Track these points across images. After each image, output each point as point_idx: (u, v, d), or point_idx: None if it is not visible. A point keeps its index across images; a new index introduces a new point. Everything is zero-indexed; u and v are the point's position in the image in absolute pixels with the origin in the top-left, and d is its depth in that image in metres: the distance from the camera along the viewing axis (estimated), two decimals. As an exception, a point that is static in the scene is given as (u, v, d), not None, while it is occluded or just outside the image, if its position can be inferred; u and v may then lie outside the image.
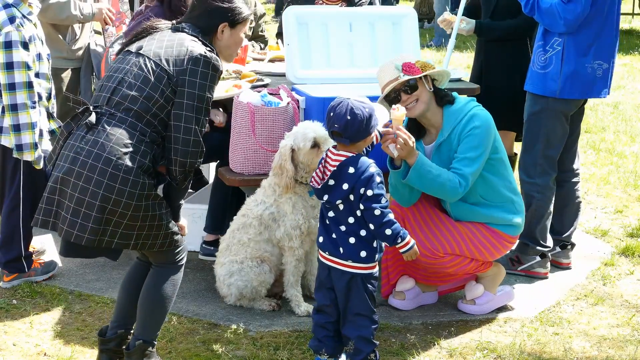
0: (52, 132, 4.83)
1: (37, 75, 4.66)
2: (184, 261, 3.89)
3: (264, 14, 7.11)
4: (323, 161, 3.91)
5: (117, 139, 3.54)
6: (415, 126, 4.55)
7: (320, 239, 3.93)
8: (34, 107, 4.60)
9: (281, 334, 4.31)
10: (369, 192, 3.78)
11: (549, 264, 5.24)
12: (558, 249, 5.36)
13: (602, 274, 5.29)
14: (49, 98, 4.78)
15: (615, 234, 6.00)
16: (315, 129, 4.38)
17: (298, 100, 4.99)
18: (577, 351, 4.35)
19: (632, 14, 17.56)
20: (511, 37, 5.40)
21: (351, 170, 3.80)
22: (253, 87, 5.27)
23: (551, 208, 5.18)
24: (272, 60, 6.34)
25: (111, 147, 3.53)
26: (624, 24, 16.74)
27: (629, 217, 6.36)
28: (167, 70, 3.63)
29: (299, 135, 4.40)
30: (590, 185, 7.02)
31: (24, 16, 4.61)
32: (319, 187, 3.84)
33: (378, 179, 3.80)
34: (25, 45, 4.54)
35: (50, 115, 4.82)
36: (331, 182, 3.82)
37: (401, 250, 3.89)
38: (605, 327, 4.63)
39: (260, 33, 6.92)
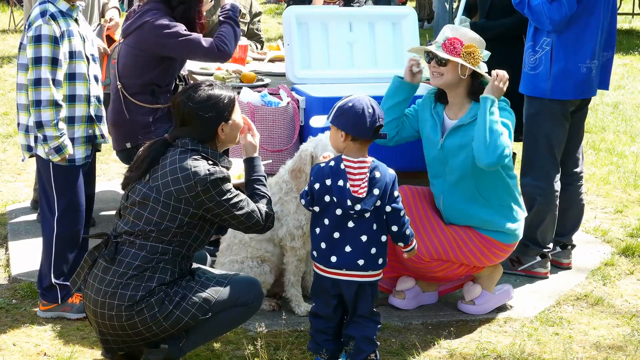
0: (92, 138, 4.58)
1: (72, 75, 4.46)
2: (255, 303, 3.92)
3: (260, 12, 7.10)
4: (344, 173, 3.83)
5: (134, 268, 3.71)
6: (440, 92, 4.57)
7: (333, 259, 3.86)
8: (59, 105, 4.38)
9: (281, 334, 4.31)
10: (395, 193, 3.85)
11: (549, 264, 5.24)
12: (558, 249, 5.36)
13: (602, 274, 5.29)
14: (88, 101, 4.53)
15: (615, 234, 6.00)
16: None
17: (298, 100, 5.00)
18: (577, 351, 4.35)
19: (632, 14, 17.54)
20: (506, 36, 5.40)
21: (377, 174, 3.82)
22: (253, 87, 5.28)
23: (555, 212, 5.14)
24: (272, 60, 6.34)
25: (116, 283, 3.70)
26: (624, 24, 16.72)
27: (629, 217, 6.36)
28: (182, 199, 3.73)
29: (320, 145, 4.34)
30: (590, 185, 7.02)
31: (60, 12, 4.44)
32: (364, 196, 3.79)
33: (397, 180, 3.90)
34: (55, 40, 4.37)
35: (91, 119, 4.55)
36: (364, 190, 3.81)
37: (407, 249, 3.96)
38: (605, 327, 4.63)
39: (256, 32, 6.92)
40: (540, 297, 4.96)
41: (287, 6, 6.08)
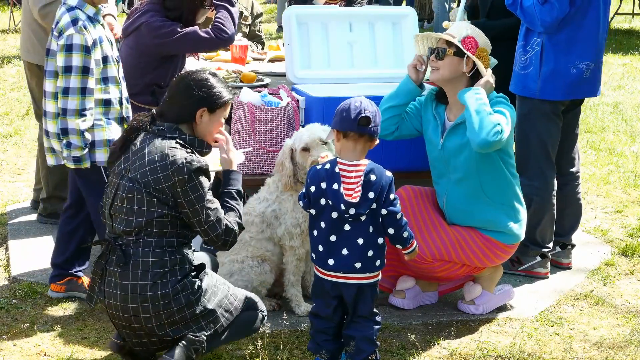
0: None
1: (105, 79, 4.50)
2: (265, 312, 4.04)
3: (261, 13, 7.12)
4: (338, 176, 3.82)
5: (151, 265, 3.71)
6: (442, 91, 4.57)
7: (331, 262, 3.86)
8: (85, 115, 4.40)
9: (281, 334, 4.31)
10: (391, 196, 3.82)
11: (549, 264, 5.24)
12: (558, 249, 5.36)
13: (602, 274, 5.29)
14: (120, 103, 4.59)
15: (615, 234, 6.00)
16: (312, 132, 4.38)
17: (298, 100, 5.00)
18: (577, 351, 4.35)
19: (632, 14, 17.53)
20: (506, 36, 5.40)
21: (373, 177, 3.80)
22: (253, 87, 5.28)
23: (553, 211, 5.15)
24: (272, 60, 6.34)
25: (142, 286, 3.70)
26: (624, 23, 16.71)
27: (629, 217, 6.36)
28: (160, 189, 3.72)
29: (297, 136, 4.43)
30: (590, 185, 7.02)
31: (89, 17, 4.46)
32: (357, 201, 3.77)
33: (394, 182, 3.86)
34: (87, 49, 4.39)
35: (123, 120, 4.60)
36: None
37: (407, 251, 3.94)
38: (605, 327, 4.63)
39: (257, 33, 6.93)
40: (540, 297, 4.96)
41: (287, 6, 6.07)
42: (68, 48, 4.36)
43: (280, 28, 7.50)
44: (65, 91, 4.37)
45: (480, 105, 4.29)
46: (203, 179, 3.77)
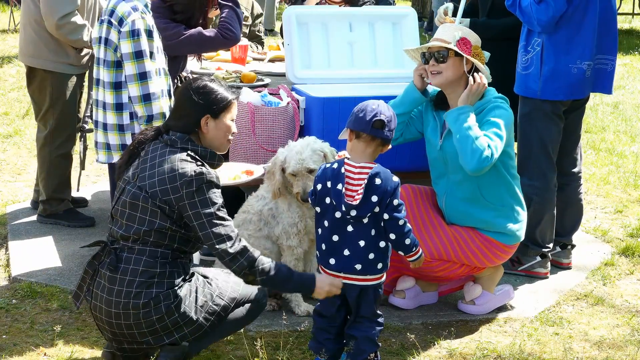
0: None
1: (158, 70, 4.50)
2: (264, 300, 4.02)
3: (261, 14, 7.13)
4: (343, 177, 3.82)
5: (140, 274, 3.68)
6: (441, 97, 4.57)
7: (332, 261, 3.86)
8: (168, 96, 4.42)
9: (281, 334, 4.31)
10: (395, 202, 3.79)
11: (549, 264, 5.24)
12: (558, 249, 5.36)
13: (602, 274, 5.29)
14: (169, 95, 4.60)
15: (615, 234, 6.00)
16: (300, 160, 4.34)
17: (298, 100, 5.00)
18: (577, 351, 4.35)
19: (632, 14, 17.53)
20: (507, 36, 5.41)
21: (378, 181, 3.78)
22: (253, 87, 5.29)
23: (553, 211, 5.16)
24: (272, 60, 6.35)
25: (126, 292, 3.67)
26: (624, 24, 16.72)
27: (629, 217, 6.36)
28: (166, 200, 3.68)
29: (290, 155, 4.38)
30: (590, 185, 7.02)
31: (145, 6, 4.48)
32: (358, 203, 3.76)
33: (400, 188, 3.84)
34: (150, 34, 4.40)
35: (165, 115, 4.59)
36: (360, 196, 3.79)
37: (411, 259, 3.93)
38: (605, 327, 4.63)
39: (257, 33, 6.94)
40: (540, 297, 4.96)
41: (287, 6, 6.08)
42: (134, 33, 4.36)
43: (268, 32, 7.48)
44: (143, 76, 4.34)
45: (465, 130, 4.26)
46: (213, 193, 3.70)
